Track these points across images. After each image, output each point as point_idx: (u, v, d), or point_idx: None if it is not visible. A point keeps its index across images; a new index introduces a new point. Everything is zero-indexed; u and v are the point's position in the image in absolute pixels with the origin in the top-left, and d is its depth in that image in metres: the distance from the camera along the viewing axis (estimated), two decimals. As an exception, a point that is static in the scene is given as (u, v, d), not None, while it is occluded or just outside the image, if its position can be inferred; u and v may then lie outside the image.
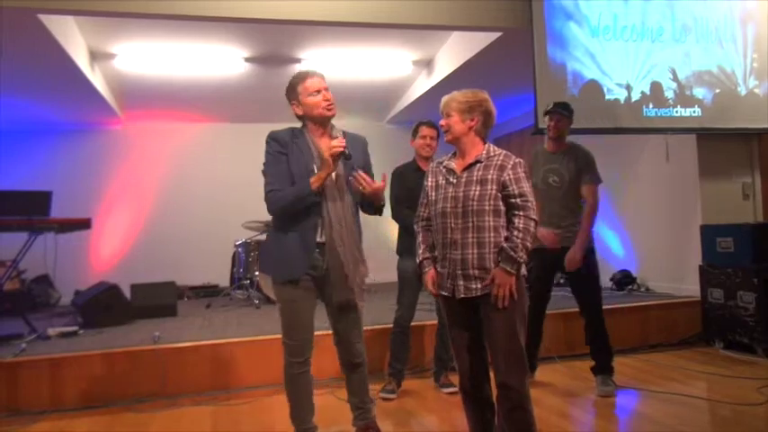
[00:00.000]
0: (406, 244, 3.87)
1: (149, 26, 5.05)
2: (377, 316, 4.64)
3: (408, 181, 3.80)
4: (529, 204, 2.40)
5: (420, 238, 2.63)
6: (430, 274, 2.55)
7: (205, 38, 5.46)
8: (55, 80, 5.67)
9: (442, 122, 2.53)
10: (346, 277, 2.63)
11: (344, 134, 2.71)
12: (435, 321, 4.00)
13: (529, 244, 2.38)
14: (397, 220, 3.91)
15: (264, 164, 2.65)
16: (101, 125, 7.89)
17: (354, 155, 2.65)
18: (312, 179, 2.54)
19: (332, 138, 2.64)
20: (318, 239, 2.64)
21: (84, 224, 5.07)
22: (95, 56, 5.81)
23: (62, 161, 7.71)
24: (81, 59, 5.32)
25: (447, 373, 3.94)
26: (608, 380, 3.78)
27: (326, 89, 2.66)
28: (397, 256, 3.98)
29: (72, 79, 5.55)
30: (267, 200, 2.60)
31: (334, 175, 2.62)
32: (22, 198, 4.78)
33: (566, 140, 3.92)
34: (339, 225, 2.59)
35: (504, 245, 2.37)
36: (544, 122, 3.98)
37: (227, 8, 4.36)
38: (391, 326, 3.93)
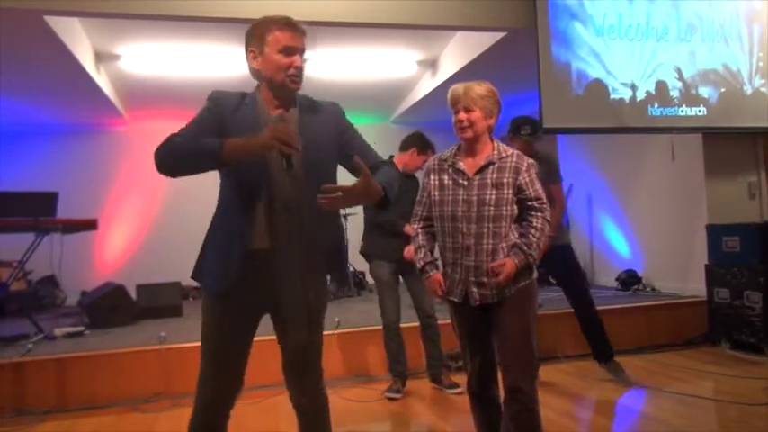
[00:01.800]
0: (378, 247, 3.87)
1: (154, 27, 5.06)
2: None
3: None
4: (545, 207, 2.35)
5: (419, 241, 2.49)
6: (436, 278, 2.42)
7: (210, 39, 5.46)
8: (61, 82, 5.69)
9: (462, 116, 2.32)
10: (297, 305, 1.89)
11: (300, 109, 1.97)
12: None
13: (542, 244, 2.35)
14: (372, 220, 3.90)
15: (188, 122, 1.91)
16: (106, 126, 7.92)
17: (324, 130, 1.99)
18: (231, 142, 1.78)
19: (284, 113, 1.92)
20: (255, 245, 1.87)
21: (91, 225, 5.09)
22: (101, 57, 5.82)
23: (68, 162, 7.73)
24: (87, 61, 5.34)
25: (449, 373, 3.95)
26: (617, 367, 3.89)
27: (302, 53, 1.95)
28: (367, 260, 3.98)
29: (78, 80, 5.57)
30: (158, 147, 1.82)
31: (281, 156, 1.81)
32: (28, 199, 4.80)
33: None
34: (285, 225, 1.86)
35: (519, 241, 2.31)
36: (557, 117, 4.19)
37: (232, 9, 4.36)
38: (404, 325, 3.94)
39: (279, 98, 1.95)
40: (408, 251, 3.64)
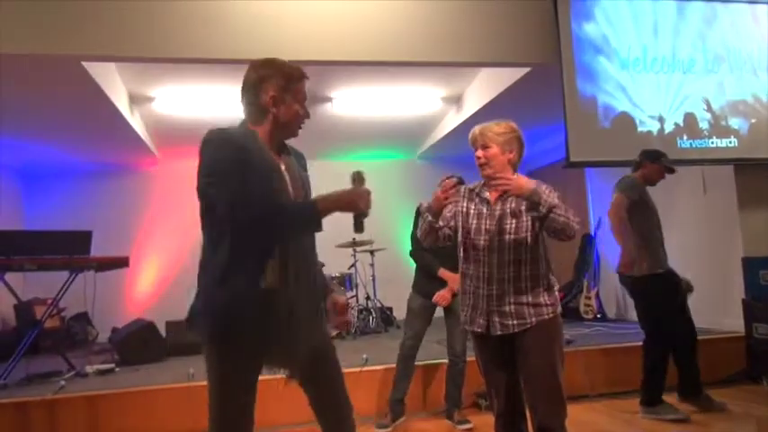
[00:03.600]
0: (417, 282, 3.98)
1: (185, 70, 5.23)
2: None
3: None
4: (570, 211, 2.24)
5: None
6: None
7: (238, 80, 5.59)
8: (96, 124, 5.88)
9: (480, 154, 2.39)
10: (301, 338, 1.87)
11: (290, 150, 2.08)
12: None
13: (562, 219, 2.19)
14: (414, 258, 3.98)
15: (212, 169, 1.81)
16: (138, 165, 8.13)
17: (304, 175, 2.03)
18: (324, 206, 1.79)
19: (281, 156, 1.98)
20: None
21: (123, 262, 5.18)
22: (135, 99, 6.02)
23: (100, 201, 7.92)
24: (121, 103, 5.52)
25: (461, 410, 3.90)
26: (666, 408, 3.81)
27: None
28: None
29: (113, 122, 5.75)
30: (240, 218, 1.75)
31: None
32: (63, 238, 4.91)
33: None
34: (298, 262, 1.88)
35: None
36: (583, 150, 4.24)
37: (261, 51, 4.47)
38: (435, 362, 4.00)
39: (278, 141, 1.98)
40: (437, 298, 3.73)
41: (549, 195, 2.22)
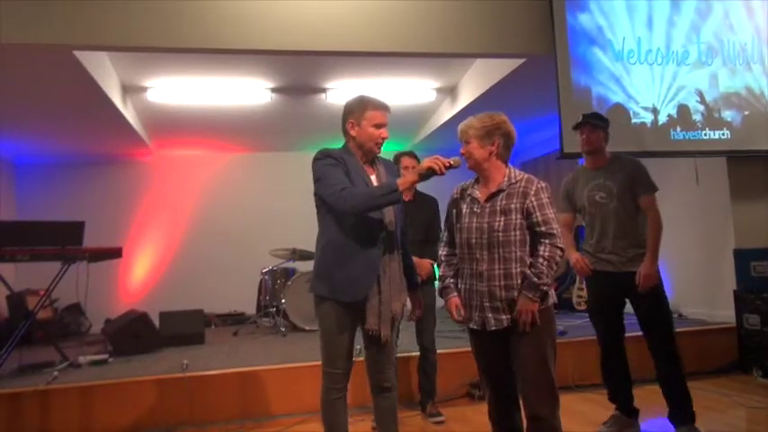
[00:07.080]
0: None
1: (179, 60, 5.19)
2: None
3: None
4: (554, 232, 2.35)
5: (441, 270, 2.61)
6: (453, 300, 2.50)
7: (232, 70, 5.57)
8: (88, 115, 5.83)
9: (462, 150, 2.50)
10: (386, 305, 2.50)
11: (380, 161, 2.72)
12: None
13: (553, 272, 2.35)
14: None
15: (320, 174, 2.50)
16: (131, 156, 8.08)
17: (389, 178, 2.64)
18: (399, 180, 2.41)
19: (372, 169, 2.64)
20: None
21: (116, 253, 5.16)
22: (128, 90, 5.97)
23: (93, 192, 7.89)
24: (114, 94, 5.47)
25: (434, 402, 3.89)
26: (693, 429, 3.24)
27: (386, 126, 2.60)
28: None
29: (105, 113, 5.70)
30: (340, 197, 2.39)
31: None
32: (56, 228, 4.88)
33: (605, 153, 3.49)
34: (391, 251, 2.52)
35: (528, 271, 2.33)
36: (576, 142, 3.59)
37: (254, 41, 4.44)
38: (406, 354, 3.99)
39: (365, 156, 2.61)
40: None
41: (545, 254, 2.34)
